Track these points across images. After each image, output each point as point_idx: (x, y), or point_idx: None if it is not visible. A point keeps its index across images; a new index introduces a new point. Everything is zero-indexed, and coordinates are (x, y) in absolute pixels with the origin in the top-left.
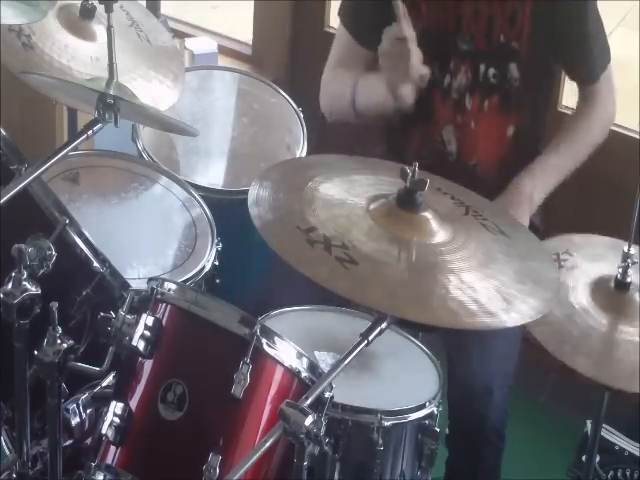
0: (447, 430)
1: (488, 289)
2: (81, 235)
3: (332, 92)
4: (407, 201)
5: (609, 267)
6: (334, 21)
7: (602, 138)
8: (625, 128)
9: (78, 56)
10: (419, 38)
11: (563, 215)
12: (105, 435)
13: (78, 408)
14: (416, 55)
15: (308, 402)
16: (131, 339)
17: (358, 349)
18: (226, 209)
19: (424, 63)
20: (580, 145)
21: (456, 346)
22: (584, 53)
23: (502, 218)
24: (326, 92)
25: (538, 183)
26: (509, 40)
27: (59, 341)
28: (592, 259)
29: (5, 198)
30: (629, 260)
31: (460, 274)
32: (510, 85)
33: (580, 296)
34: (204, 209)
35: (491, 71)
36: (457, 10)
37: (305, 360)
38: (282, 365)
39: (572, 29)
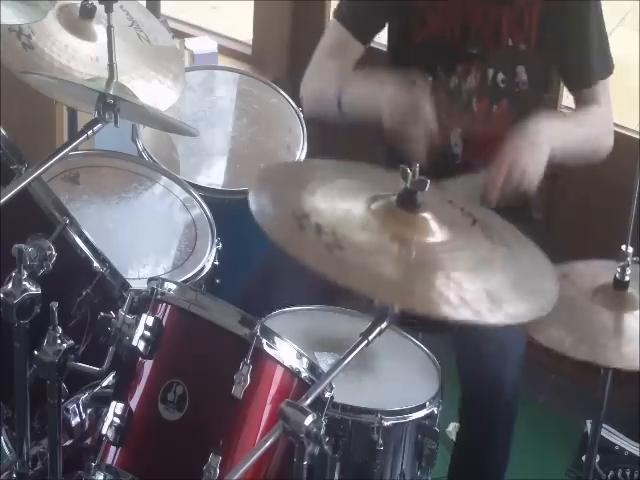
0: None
1: (476, 288)
2: (81, 235)
3: (315, 86)
4: (407, 201)
5: (606, 279)
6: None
7: (604, 140)
8: (625, 128)
9: (78, 56)
10: (425, 46)
11: (563, 215)
12: (105, 435)
13: (78, 408)
14: (430, 114)
15: (308, 402)
16: (131, 339)
17: (358, 349)
18: (226, 209)
19: (429, 68)
20: (591, 125)
21: (462, 332)
22: (581, 54)
23: (512, 234)
24: (308, 84)
25: (558, 132)
26: (517, 43)
27: (59, 341)
28: (591, 276)
29: (5, 198)
30: (628, 259)
31: (450, 272)
32: (518, 88)
33: (581, 299)
34: (204, 209)
35: (500, 76)
36: (464, 17)
37: (305, 360)
38: (282, 365)
39: (574, 30)
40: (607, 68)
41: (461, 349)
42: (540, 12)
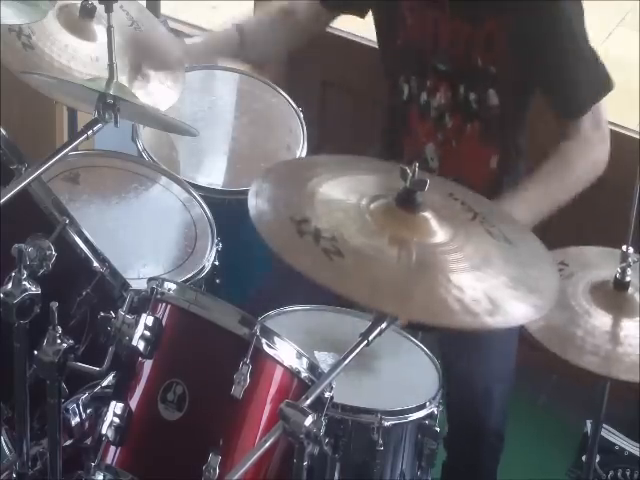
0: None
1: (475, 290)
2: (81, 235)
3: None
4: (406, 201)
5: (604, 273)
6: (335, 21)
7: (590, 178)
8: (625, 128)
9: (78, 56)
10: (401, 50)
11: (563, 215)
12: (105, 435)
13: (78, 408)
14: None
15: (308, 402)
16: (131, 339)
17: (358, 349)
18: (226, 209)
19: (403, 78)
20: (565, 179)
21: (453, 347)
22: (565, 80)
23: (512, 227)
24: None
25: (517, 213)
26: (487, 64)
27: (59, 341)
28: (587, 267)
29: (5, 198)
30: (630, 259)
31: (450, 274)
32: (491, 113)
33: (580, 299)
34: (204, 209)
35: (472, 95)
36: (436, 29)
37: (305, 360)
38: (282, 365)
39: (551, 55)
40: (598, 89)
41: (449, 369)
42: (510, 36)
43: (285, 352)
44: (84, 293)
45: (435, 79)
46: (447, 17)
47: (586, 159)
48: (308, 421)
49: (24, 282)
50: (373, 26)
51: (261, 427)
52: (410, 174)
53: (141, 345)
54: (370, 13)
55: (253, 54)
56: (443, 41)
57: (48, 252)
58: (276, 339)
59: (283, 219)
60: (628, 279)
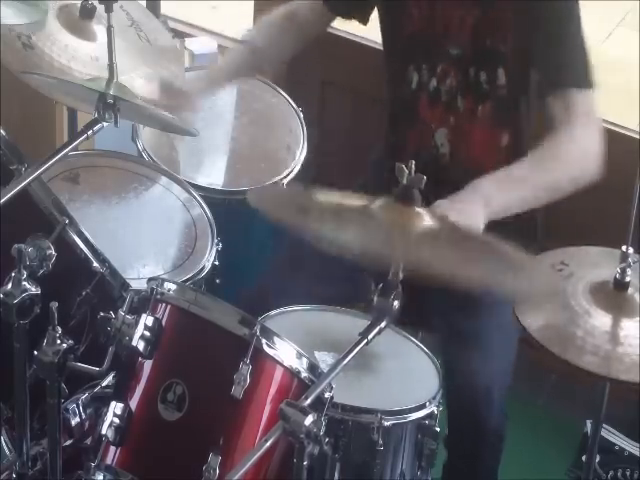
0: (446, 431)
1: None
2: (81, 235)
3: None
4: (405, 197)
5: (604, 273)
6: (334, 21)
7: (581, 168)
8: (625, 128)
9: (78, 56)
10: (409, 41)
11: (562, 215)
12: (105, 435)
13: (78, 408)
14: None
15: (308, 402)
16: (131, 339)
17: (358, 348)
18: (226, 209)
19: (413, 67)
20: (552, 164)
21: (454, 347)
22: (559, 53)
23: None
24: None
25: (499, 191)
26: (495, 43)
27: (59, 341)
28: (587, 267)
29: (5, 198)
30: (630, 259)
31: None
32: (500, 93)
33: (580, 299)
34: (204, 209)
35: (482, 75)
36: (445, 16)
37: (305, 360)
38: (282, 365)
39: (551, 31)
40: (588, 80)
41: (450, 369)
42: (515, 18)
43: (285, 352)
44: (84, 293)
45: (445, 64)
46: (456, 5)
47: (576, 144)
48: (308, 421)
49: (24, 282)
50: (373, 26)
51: (261, 427)
52: (407, 171)
53: (141, 345)
54: (372, 14)
55: (267, 66)
56: (453, 27)
57: (48, 252)
58: (276, 339)
59: (287, 204)
60: (628, 279)
